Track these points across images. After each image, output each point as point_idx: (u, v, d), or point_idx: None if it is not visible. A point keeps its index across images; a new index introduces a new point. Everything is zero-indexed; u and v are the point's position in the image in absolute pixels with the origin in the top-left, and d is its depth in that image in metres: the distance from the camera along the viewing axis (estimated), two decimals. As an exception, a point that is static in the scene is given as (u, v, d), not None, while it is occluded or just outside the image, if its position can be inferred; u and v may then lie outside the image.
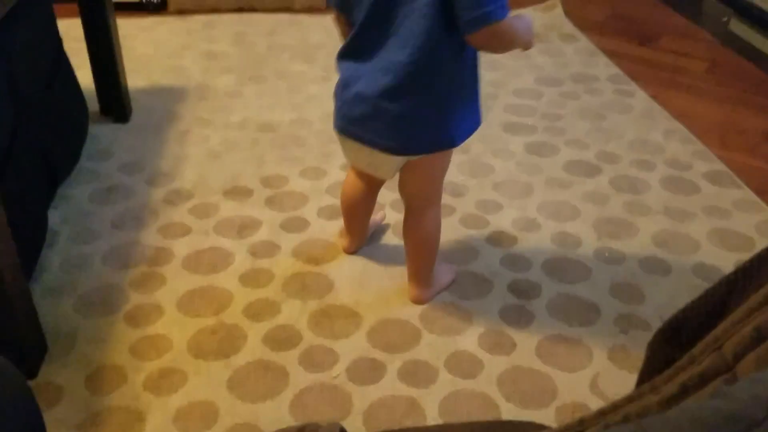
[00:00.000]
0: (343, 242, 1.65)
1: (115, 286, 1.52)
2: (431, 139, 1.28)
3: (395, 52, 1.20)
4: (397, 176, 1.40)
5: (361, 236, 1.64)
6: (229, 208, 1.78)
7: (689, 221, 1.78)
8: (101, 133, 2.07)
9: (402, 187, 1.43)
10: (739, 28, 2.92)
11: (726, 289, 0.55)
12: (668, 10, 3.17)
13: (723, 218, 1.79)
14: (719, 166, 2.01)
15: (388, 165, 1.34)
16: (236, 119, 2.17)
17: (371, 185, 1.52)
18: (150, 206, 1.77)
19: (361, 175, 1.49)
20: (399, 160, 1.32)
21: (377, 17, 1.20)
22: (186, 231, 1.69)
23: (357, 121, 1.28)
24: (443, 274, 1.56)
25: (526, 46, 1.25)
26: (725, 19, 3.00)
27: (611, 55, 2.67)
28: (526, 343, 1.42)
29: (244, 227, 1.71)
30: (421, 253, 1.48)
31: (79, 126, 1.98)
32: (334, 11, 1.30)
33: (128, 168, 1.92)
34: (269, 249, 1.65)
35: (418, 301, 1.51)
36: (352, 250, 1.64)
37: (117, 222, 1.72)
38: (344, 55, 1.29)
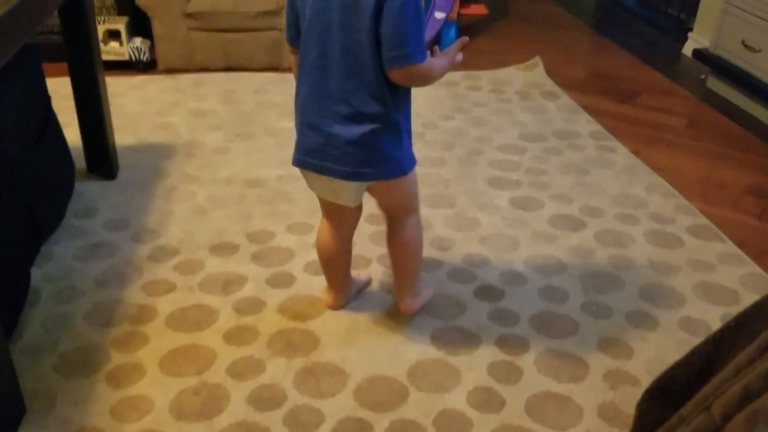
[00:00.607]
0: (327, 298, 1.64)
1: (97, 345, 1.50)
2: (381, 166, 1.35)
3: (343, 83, 1.29)
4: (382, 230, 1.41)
5: (344, 290, 1.63)
6: (214, 264, 1.77)
7: (674, 275, 1.79)
8: (87, 190, 2.06)
9: (378, 204, 1.51)
10: (716, 85, 3.00)
11: (713, 346, 0.55)
12: (647, 68, 3.26)
13: (707, 272, 1.81)
14: (702, 220, 2.04)
15: (347, 191, 1.40)
16: (223, 175, 2.18)
17: (342, 229, 1.54)
18: (134, 263, 1.76)
19: (332, 219, 1.53)
20: (358, 185, 1.39)
21: (324, 51, 1.29)
22: (170, 288, 1.68)
23: (312, 151, 1.36)
24: (425, 288, 1.66)
25: (451, 65, 1.38)
26: (703, 76, 3.09)
27: (592, 112, 2.73)
28: (515, 400, 1.40)
29: (229, 283, 1.70)
30: (406, 260, 1.53)
31: (65, 184, 1.98)
32: (291, 47, 1.38)
33: (114, 225, 1.91)
34: (254, 305, 1.63)
35: (409, 311, 1.59)
36: (337, 306, 1.63)
37: (101, 279, 1.70)
38: (298, 89, 1.37)
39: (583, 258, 1.84)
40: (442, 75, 1.36)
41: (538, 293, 1.70)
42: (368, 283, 1.72)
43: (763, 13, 2.61)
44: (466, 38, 1.42)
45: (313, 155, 1.36)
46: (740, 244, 1.92)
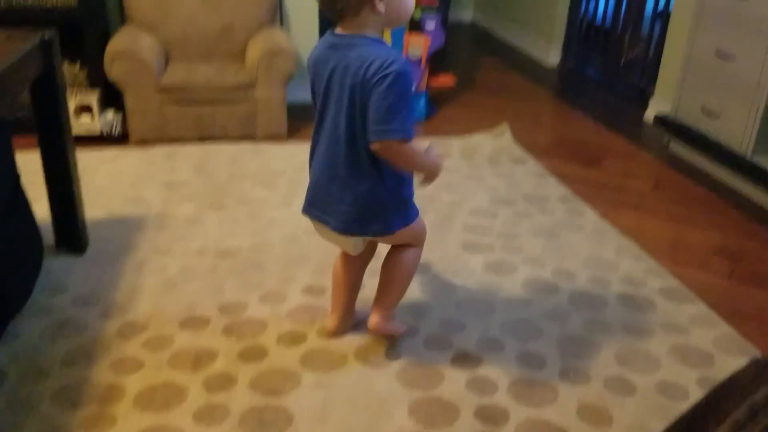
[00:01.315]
0: (329, 323, 1.72)
1: (64, 429, 1.44)
2: (369, 226, 1.49)
3: (344, 150, 1.42)
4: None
5: (346, 317, 1.71)
6: (184, 339, 1.73)
7: (648, 338, 1.79)
8: (56, 266, 2.03)
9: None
10: (679, 149, 3.10)
11: (690, 420, 0.55)
12: (610, 133, 3.36)
13: (681, 334, 1.81)
14: (672, 281, 2.06)
15: (345, 242, 1.55)
16: (195, 247, 2.16)
17: (353, 262, 1.67)
18: (102, 341, 1.71)
19: (343, 253, 1.67)
20: (354, 237, 1.53)
21: (334, 121, 1.42)
22: (139, 366, 1.63)
23: (315, 203, 1.53)
24: (399, 323, 1.73)
25: (429, 176, 1.49)
26: (665, 141, 3.19)
27: (560, 176, 2.79)
28: (495, 473, 1.36)
29: (199, 359, 1.66)
30: (394, 278, 1.63)
31: (33, 261, 1.94)
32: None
33: (82, 301, 1.87)
34: (225, 382, 1.59)
35: (376, 328, 1.63)
36: (335, 332, 1.71)
37: (68, 359, 1.65)
38: (314, 147, 1.52)
39: (558, 322, 1.84)
40: (429, 169, 1.47)
41: (516, 359, 1.69)
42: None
43: (720, 79, 2.73)
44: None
45: (316, 207, 1.53)
46: (711, 305, 1.95)
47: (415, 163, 1.44)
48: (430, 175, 1.50)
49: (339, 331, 1.73)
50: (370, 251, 1.70)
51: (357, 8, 1.33)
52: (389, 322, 1.68)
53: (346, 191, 1.46)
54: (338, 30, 1.41)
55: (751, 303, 2.00)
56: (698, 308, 1.93)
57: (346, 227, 1.49)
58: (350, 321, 1.75)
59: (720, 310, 1.93)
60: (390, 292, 1.64)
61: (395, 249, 1.64)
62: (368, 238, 1.57)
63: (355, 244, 1.56)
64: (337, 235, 1.52)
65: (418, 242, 1.63)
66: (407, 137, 1.35)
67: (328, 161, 1.46)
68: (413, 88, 1.38)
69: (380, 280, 1.66)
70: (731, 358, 1.73)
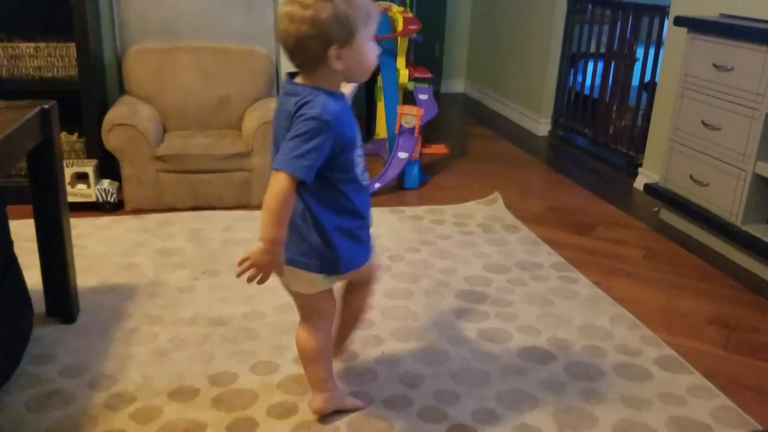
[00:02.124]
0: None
1: (43, 506, 1.39)
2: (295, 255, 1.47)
3: None
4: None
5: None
6: (172, 411, 1.69)
7: (646, 409, 1.77)
8: (45, 334, 2.00)
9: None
10: (669, 217, 3.13)
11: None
12: (601, 201, 3.40)
13: (678, 405, 1.79)
14: (668, 351, 2.04)
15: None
16: (187, 315, 2.14)
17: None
18: (90, 412, 1.67)
19: None
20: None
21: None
22: (126, 438, 1.59)
23: None
24: (350, 398, 1.73)
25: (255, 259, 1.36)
26: (656, 209, 3.23)
27: (552, 243, 2.81)
28: None
29: (189, 432, 1.62)
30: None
31: (22, 331, 1.92)
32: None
33: (70, 371, 1.84)
34: (216, 455, 1.55)
35: (320, 410, 1.64)
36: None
37: (53, 431, 1.60)
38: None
39: (554, 392, 1.82)
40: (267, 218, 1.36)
41: (511, 432, 1.66)
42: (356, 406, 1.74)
43: (707, 149, 2.79)
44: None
45: None
46: (708, 375, 1.93)
47: (269, 203, 1.35)
48: (257, 258, 1.36)
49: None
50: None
51: (313, 65, 1.37)
52: (324, 402, 1.65)
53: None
54: (297, 79, 1.43)
55: (748, 373, 1.98)
56: (695, 378, 1.91)
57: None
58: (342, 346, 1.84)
59: (716, 380, 1.91)
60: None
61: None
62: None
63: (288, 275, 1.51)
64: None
65: (305, 311, 1.59)
66: (285, 169, 1.32)
67: None
68: (325, 138, 1.34)
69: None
70: (730, 430, 1.70)
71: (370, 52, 1.39)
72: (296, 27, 1.31)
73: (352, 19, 1.32)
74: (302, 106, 1.35)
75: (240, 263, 1.36)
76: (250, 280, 1.36)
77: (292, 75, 1.44)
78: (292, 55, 1.37)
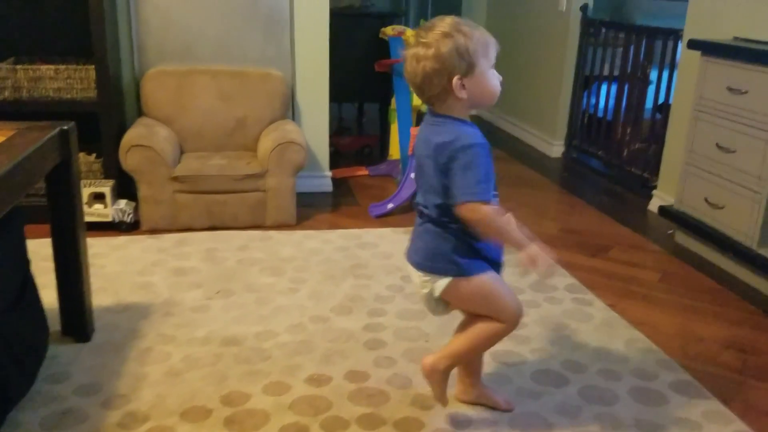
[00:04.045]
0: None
1: None
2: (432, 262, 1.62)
3: (428, 197, 1.59)
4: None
5: (461, 386, 1.85)
6: (184, 431, 1.69)
7: (662, 434, 1.74)
8: (61, 353, 2.02)
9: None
10: (684, 239, 3.11)
11: None
12: (615, 223, 3.39)
13: (694, 430, 1.76)
14: (684, 375, 2.02)
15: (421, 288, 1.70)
16: (200, 334, 2.15)
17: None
18: (103, 431, 1.68)
19: None
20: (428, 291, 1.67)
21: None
22: (139, 458, 1.59)
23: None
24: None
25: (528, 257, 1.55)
26: (670, 231, 3.21)
27: (566, 266, 2.79)
28: None
29: (201, 452, 1.62)
30: (462, 337, 1.70)
31: (38, 349, 1.94)
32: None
33: (84, 390, 1.85)
34: (227, 476, 1.54)
35: (428, 367, 1.68)
36: (458, 398, 1.84)
37: (65, 450, 1.61)
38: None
39: (569, 417, 1.80)
40: (514, 243, 1.55)
41: (524, 456, 1.64)
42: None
43: (722, 172, 2.77)
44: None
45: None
46: (724, 401, 1.90)
47: (495, 234, 1.54)
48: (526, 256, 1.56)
49: (462, 399, 1.84)
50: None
51: (442, 96, 1.51)
52: (438, 372, 1.69)
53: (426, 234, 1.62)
54: (432, 112, 1.59)
55: (765, 398, 1.95)
56: (711, 403, 1.88)
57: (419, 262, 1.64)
58: (471, 393, 1.84)
59: (733, 405, 1.88)
60: (453, 348, 1.70)
61: (467, 320, 1.72)
62: (440, 292, 1.63)
63: (428, 297, 1.66)
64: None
65: (495, 314, 1.65)
66: (478, 199, 1.48)
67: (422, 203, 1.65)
68: (485, 157, 1.52)
69: (454, 337, 1.75)
70: (748, 457, 1.68)
71: (492, 80, 1.52)
72: (422, 65, 1.47)
73: (471, 50, 1.46)
74: (448, 142, 1.49)
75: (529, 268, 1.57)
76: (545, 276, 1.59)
77: (431, 108, 1.58)
78: (421, 90, 1.52)
